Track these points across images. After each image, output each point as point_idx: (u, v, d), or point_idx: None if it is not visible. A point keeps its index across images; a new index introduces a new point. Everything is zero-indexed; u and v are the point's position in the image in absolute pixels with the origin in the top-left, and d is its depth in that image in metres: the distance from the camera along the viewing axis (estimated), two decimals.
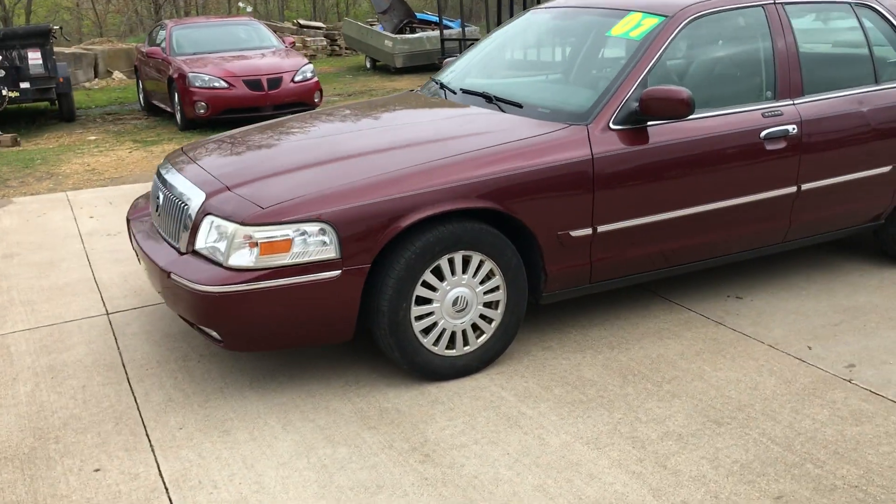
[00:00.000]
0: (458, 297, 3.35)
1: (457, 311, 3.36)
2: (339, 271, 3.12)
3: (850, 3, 4.25)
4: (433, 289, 3.31)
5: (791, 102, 3.93)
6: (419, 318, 3.31)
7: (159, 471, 2.88)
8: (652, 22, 3.83)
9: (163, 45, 11.57)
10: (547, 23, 4.53)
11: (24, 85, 11.03)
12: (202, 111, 10.26)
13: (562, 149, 3.44)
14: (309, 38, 19.58)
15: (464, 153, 3.37)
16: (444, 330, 3.38)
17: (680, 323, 3.93)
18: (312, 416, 3.21)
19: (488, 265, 3.39)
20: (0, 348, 3.91)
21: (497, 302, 3.47)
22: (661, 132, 3.61)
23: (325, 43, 19.67)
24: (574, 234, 3.48)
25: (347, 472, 2.82)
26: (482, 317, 3.46)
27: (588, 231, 3.51)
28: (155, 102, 12.08)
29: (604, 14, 4.13)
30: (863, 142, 4.09)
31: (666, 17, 3.82)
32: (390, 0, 17.23)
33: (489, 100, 3.98)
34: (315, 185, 3.22)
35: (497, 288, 3.44)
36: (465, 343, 3.45)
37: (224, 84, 10.32)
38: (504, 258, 3.40)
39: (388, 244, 3.21)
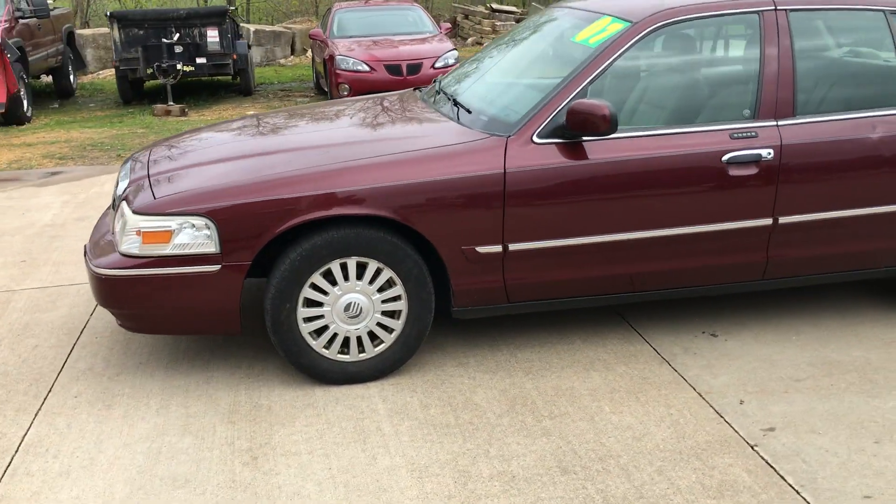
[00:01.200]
0: (350, 303, 3.30)
1: (350, 317, 3.32)
2: (219, 266, 3.18)
3: (884, 11, 3.66)
4: (324, 292, 3.29)
5: (774, 123, 3.47)
6: (309, 319, 3.31)
7: (25, 434, 3.10)
8: (615, 28, 3.54)
9: (326, 27, 12.10)
10: (554, 24, 4.29)
11: (201, 60, 11.94)
12: (345, 93, 10.65)
13: (470, 161, 3.28)
14: (499, 23, 19.60)
15: (366, 158, 3.31)
16: (335, 334, 3.35)
17: (623, 355, 3.63)
18: (191, 402, 3.31)
19: (387, 273, 3.32)
20: (5, 303, 4.34)
21: (398, 312, 3.38)
22: (602, 149, 3.34)
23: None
24: (481, 250, 3.32)
25: (171, 463, 2.90)
26: (381, 325, 3.39)
27: (497, 248, 3.33)
28: (321, 82, 12.68)
29: (584, 18, 3.86)
30: (875, 173, 3.54)
31: (630, 23, 3.51)
32: None
33: (455, 104, 3.86)
34: (213, 181, 3.30)
35: (398, 297, 3.36)
36: (361, 350, 3.40)
37: (366, 68, 10.64)
38: (404, 268, 3.30)
39: (274, 244, 3.23)
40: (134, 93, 12.53)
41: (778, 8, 3.56)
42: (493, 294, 3.42)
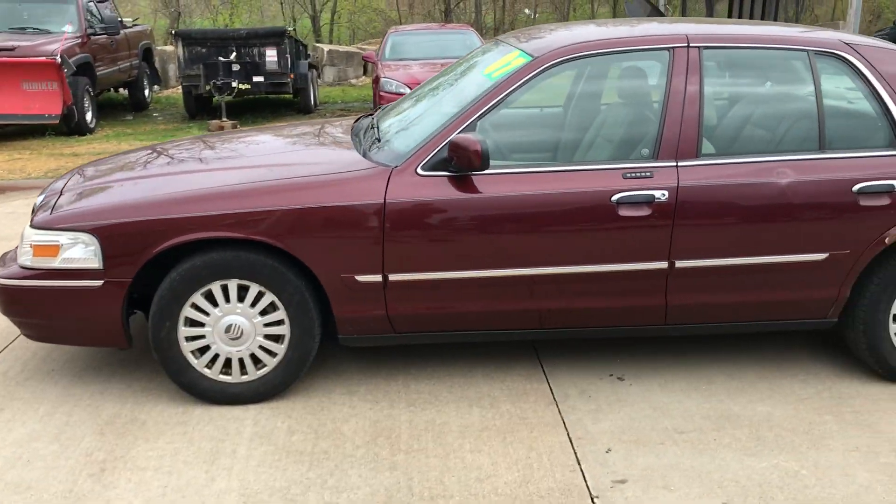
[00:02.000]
0: (231, 325, 3.36)
1: (231, 339, 3.38)
2: (102, 282, 3.30)
3: (808, 51, 3.50)
4: (206, 313, 3.36)
5: (673, 164, 3.36)
6: (191, 338, 3.38)
7: None
8: (519, 62, 3.50)
9: (379, 49, 12.32)
10: (483, 56, 4.26)
11: (258, 79, 12.34)
12: None
13: (352, 190, 3.31)
14: None
15: (250, 183, 3.37)
16: (217, 355, 3.41)
17: (516, 393, 3.56)
18: (77, 411, 3.43)
19: (270, 297, 3.37)
20: None
21: (282, 336, 3.43)
22: (487, 184, 3.31)
23: None
24: (360, 279, 3.33)
25: (25, 469, 3.01)
26: (263, 348, 3.43)
27: (377, 278, 3.33)
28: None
29: (503, 51, 3.83)
30: (780, 220, 3.37)
31: (532, 57, 3.47)
32: (648, 11, 16.63)
33: (368, 134, 3.89)
34: (105, 199, 3.43)
35: (281, 322, 3.40)
36: (244, 372, 3.45)
37: (407, 90, 10.76)
38: (285, 293, 3.35)
39: (155, 263, 3.32)
40: (199, 108, 13.01)
41: (691, 45, 3.45)
42: (377, 324, 3.42)
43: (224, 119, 11.77)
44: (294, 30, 13.50)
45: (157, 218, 3.25)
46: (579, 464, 3.03)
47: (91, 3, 12.25)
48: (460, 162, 3.19)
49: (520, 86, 3.39)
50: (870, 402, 3.49)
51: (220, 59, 11.91)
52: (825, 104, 3.45)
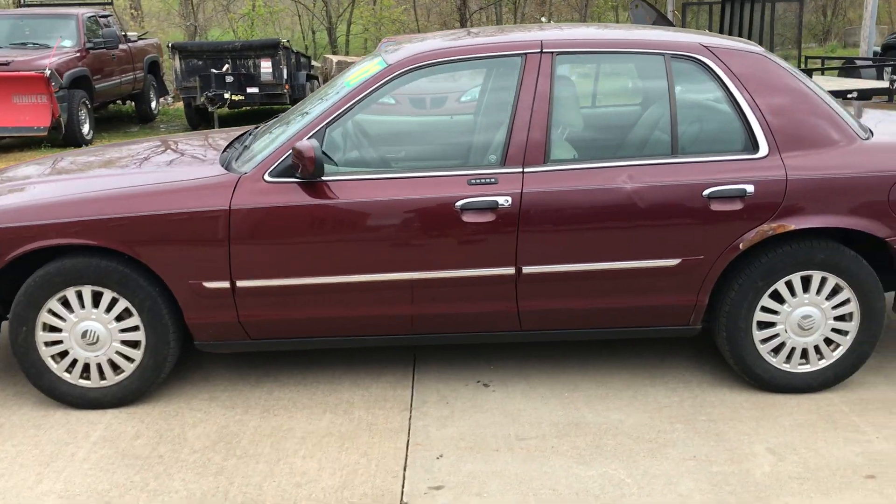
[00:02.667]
0: (87, 331, 3.43)
1: (88, 344, 3.45)
2: None
3: (664, 55, 3.46)
4: (62, 318, 3.43)
5: (519, 170, 3.35)
6: (50, 343, 3.46)
7: None
8: (374, 69, 3.52)
9: None
10: (361, 63, 4.28)
11: (252, 90, 12.49)
12: None
13: (198, 197, 3.35)
14: None
15: (102, 190, 3.43)
16: (76, 360, 3.48)
17: (377, 399, 3.57)
18: None
19: (124, 303, 3.42)
20: None
21: (139, 342, 3.48)
22: (333, 190, 3.33)
23: None
24: (208, 285, 3.37)
25: None
26: (121, 354, 3.49)
27: (225, 285, 3.37)
28: None
29: (370, 58, 3.86)
30: (628, 226, 3.34)
31: (387, 64, 3.49)
32: (654, 18, 16.49)
33: (235, 144, 3.94)
34: None
35: (137, 328, 3.46)
36: (103, 377, 3.51)
37: (392, 101, 10.81)
38: (138, 299, 3.40)
39: (12, 269, 3.40)
40: (200, 119, 13.22)
41: (544, 51, 3.44)
42: (230, 330, 3.46)
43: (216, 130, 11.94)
44: (288, 41, 13.61)
45: (9, 226, 3.33)
46: (405, 470, 3.03)
47: (92, 19, 12.54)
48: (300, 168, 3.22)
49: (370, 93, 3.41)
50: (730, 410, 3.43)
51: (213, 70, 12.09)
52: (679, 108, 3.40)
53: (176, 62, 12.57)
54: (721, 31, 11.23)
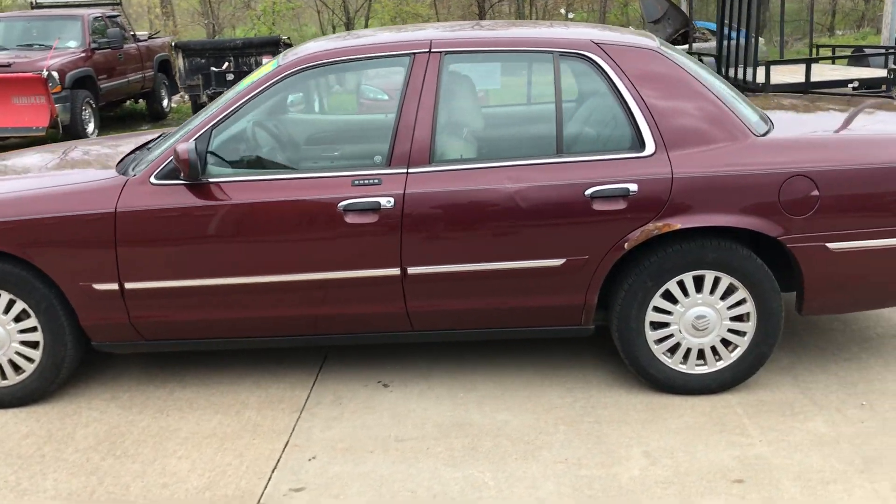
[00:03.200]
0: None
1: None
2: None
3: (553, 53, 3.41)
4: None
5: (404, 171, 3.34)
6: None
7: None
8: (267, 70, 3.54)
9: None
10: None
11: None
12: None
13: (85, 200, 3.39)
14: None
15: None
16: None
17: (273, 400, 3.60)
18: None
19: (21, 304, 3.49)
20: None
21: (38, 342, 3.54)
22: (217, 192, 3.34)
23: None
24: (98, 287, 3.42)
25: None
26: (21, 355, 3.56)
27: (114, 286, 3.42)
28: None
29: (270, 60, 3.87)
30: (516, 225, 3.30)
31: (279, 64, 3.50)
32: (665, 8, 16.26)
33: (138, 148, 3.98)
34: None
35: (35, 328, 3.52)
36: (4, 377, 3.59)
37: (386, 97, 10.84)
38: (34, 300, 3.47)
39: None
40: None
41: (433, 50, 3.42)
42: (123, 331, 3.50)
43: None
44: (289, 38, 13.70)
45: None
46: (273, 471, 3.04)
47: (99, 20, 12.74)
48: (180, 171, 3.25)
49: (257, 94, 3.42)
50: (620, 412, 3.38)
51: (213, 69, 12.22)
52: (565, 107, 3.36)
53: (180, 61, 12.75)
54: (730, 19, 10.98)
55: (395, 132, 3.34)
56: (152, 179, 3.38)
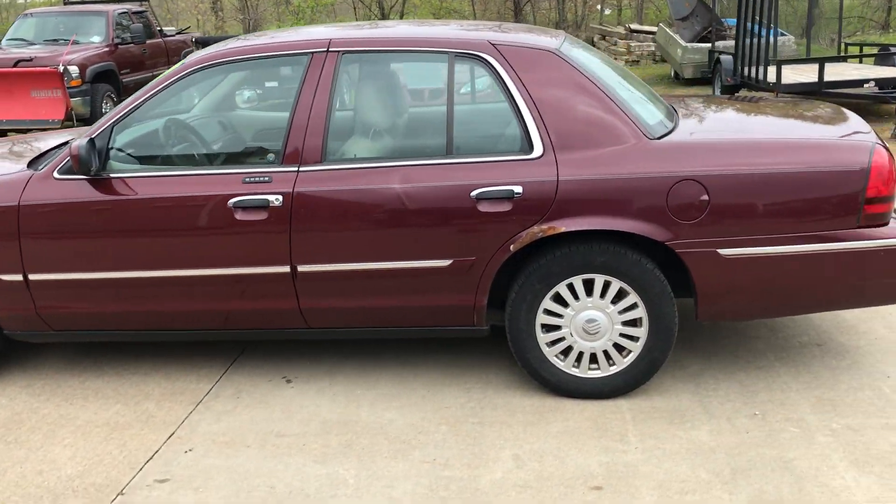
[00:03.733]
0: None
1: None
2: None
3: (449, 54, 3.42)
4: None
5: (295, 169, 3.38)
6: None
7: None
8: (175, 67, 3.61)
9: None
10: None
11: None
12: None
13: None
14: (634, 43, 18.94)
15: None
16: None
17: (177, 392, 3.67)
18: None
19: None
20: None
21: None
22: (118, 187, 3.43)
23: (652, 48, 18.85)
24: (4, 278, 3.53)
25: None
26: None
27: (19, 277, 3.52)
28: None
29: None
30: (403, 225, 3.32)
31: (183, 62, 3.57)
32: (692, 5, 15.99)
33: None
34: None
35: None
36: None
37: None
38: None
39: None
40: None
41: (331, 50, 3.45)
42: (31, 321, 3.61)
43: None
44: None
45: None
46: (147, 462, 3.11)
47: (124, 15, 13.05)
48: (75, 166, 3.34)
49: (158, 92, 3.50)
50: (507, 414, 3.38)
51: None
52: (457, 108, 3.36)
53: None
54: (752, 16, 10.76)
55: (288, 131, 3.38)
56: (55, 174, 3.47)
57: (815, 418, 3.25)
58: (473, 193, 3.24)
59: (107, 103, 12.03)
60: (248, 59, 3.51)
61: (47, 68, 10.80)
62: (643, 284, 3.28)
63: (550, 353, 3.42)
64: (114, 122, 3.48)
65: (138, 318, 3.56)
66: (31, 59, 11.20)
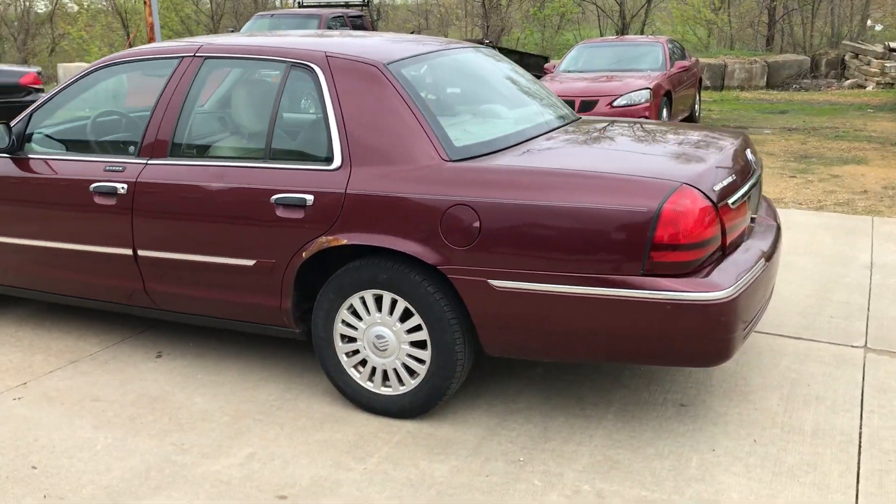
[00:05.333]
0: None
1: None
2: None
3: (286, 63, 3.57)
4: None
5: (144, 162, 3.73)
6: None
7: None
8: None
9: (560, 61, 12.45)
10: None
11: None
12: None
13: None
14: (890, 64, 16.93)
15: None
16: None
17: (59, 351, 4.18)
18: None
19: None
20: None
21: None
22: (28, 164, 3.98)
23: None
24: None
25: None
26: None
27: None
28: None
29: None
30: (214, 222, 3.53)
31: (93, 63, 4.07)
32: None
33: None
34: None
35: None
36: None
37: None
38: None
39: None
40: None
41: (197, 54, 3.75)
42: None
43: None
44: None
45: None
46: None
47: (339, 19, 14.13)
48: None
49: (69, 85, 4.01)
50: (293, 416, 3.47)
51: None
52: (280, 116, 3.50)
53: None
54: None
55: (146, 126, 3.72)
56: None
57: (574, 475, 3.00)
58: (273, 198, 3.37)
59: None
60: (140, 61, 3.89)
61: None
62: (423, 306, 3.22)
63: (348, 364, 3.45)
64: (33, 109, 4.02)
65: (32, 280, 4.08)
66: None
